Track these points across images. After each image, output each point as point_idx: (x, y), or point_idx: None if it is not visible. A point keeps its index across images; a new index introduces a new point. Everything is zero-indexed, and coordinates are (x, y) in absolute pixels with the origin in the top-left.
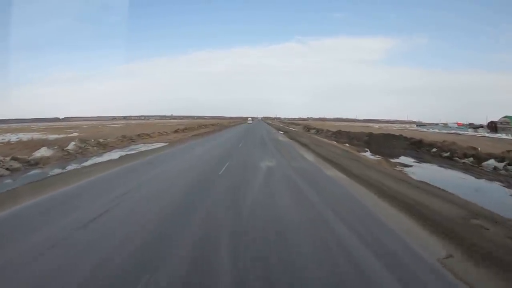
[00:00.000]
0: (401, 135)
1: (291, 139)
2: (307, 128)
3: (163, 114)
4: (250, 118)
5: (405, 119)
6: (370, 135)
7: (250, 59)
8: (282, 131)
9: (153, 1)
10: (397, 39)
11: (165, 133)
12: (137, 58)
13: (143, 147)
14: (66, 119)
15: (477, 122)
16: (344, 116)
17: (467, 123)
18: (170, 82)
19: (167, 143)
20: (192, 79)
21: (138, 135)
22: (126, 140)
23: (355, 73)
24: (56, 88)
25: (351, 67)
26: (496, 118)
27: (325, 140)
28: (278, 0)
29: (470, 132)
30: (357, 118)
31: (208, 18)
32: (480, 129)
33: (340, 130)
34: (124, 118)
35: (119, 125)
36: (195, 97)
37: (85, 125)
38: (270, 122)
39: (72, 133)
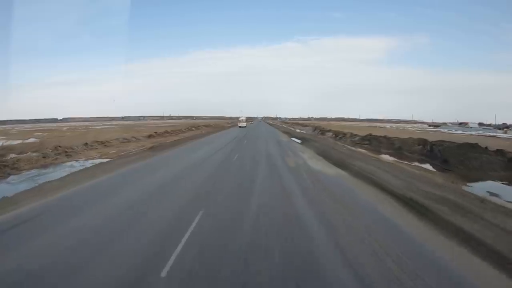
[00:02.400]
0: (476, 143)
1: (331, 161)
2: (319, 130)
3: (162, 115)
4: (243, 118)
5: (410, 118)
6: (425, 143)
7: (250, 59)
8: (296, 138)
9: (151, 2)
10: (397, 39)
11: (133, 139)
12: (136, 59)
13: (43, 175)
14: (64, 119)
15: (485, 122)
16: (345, 116)
17: (477, 122)
18: (170, 82)
19: (108, 160)
20: (192, 80)
21: (85, 144)
22: (54, 156)
23: (355, 72)
24: (56, 89)
25: (351, 66)
26: (505, 118)
27: (375, 156)
28: (278, 0)
29: (502, 134)
30: (359, 117)
31: (207, 19)
32: (508, 130)
33: (371, 134)
34: (123, 118)
35: (104, 127)
36: (195, 98)
37: (68, 127)
38: (271, 123)
39: (29, 139)
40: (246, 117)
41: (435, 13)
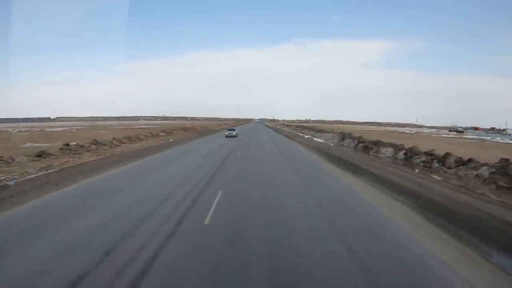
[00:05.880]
0: None
1: None
2: (358, 141)
3: (156, 115)
4: None
5: (412, 122)
6: None
7: (247, 60)
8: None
9: (151, 3)
10: (395, 42)
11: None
12: (135, 59)
13: None
14: (57, 119)
15: (497, 126)
16: (344, 119)
17: (490, 127)
18: (166, 82)
19: None
20: (188, 80)
21: None
22: None
23: (353, 75)
24: (53, 88)
25: (349, 69)
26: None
27: None
28: (275, 2)
29: None
30: (359, 120)
31: (204, 19)
32: None
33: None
34: (117, 118)
35: (62, 128)
36: (191, 98)
37: (38, 128)
38: (270, 125)
39: None
40: (242, 120)
41: (433, 17)
